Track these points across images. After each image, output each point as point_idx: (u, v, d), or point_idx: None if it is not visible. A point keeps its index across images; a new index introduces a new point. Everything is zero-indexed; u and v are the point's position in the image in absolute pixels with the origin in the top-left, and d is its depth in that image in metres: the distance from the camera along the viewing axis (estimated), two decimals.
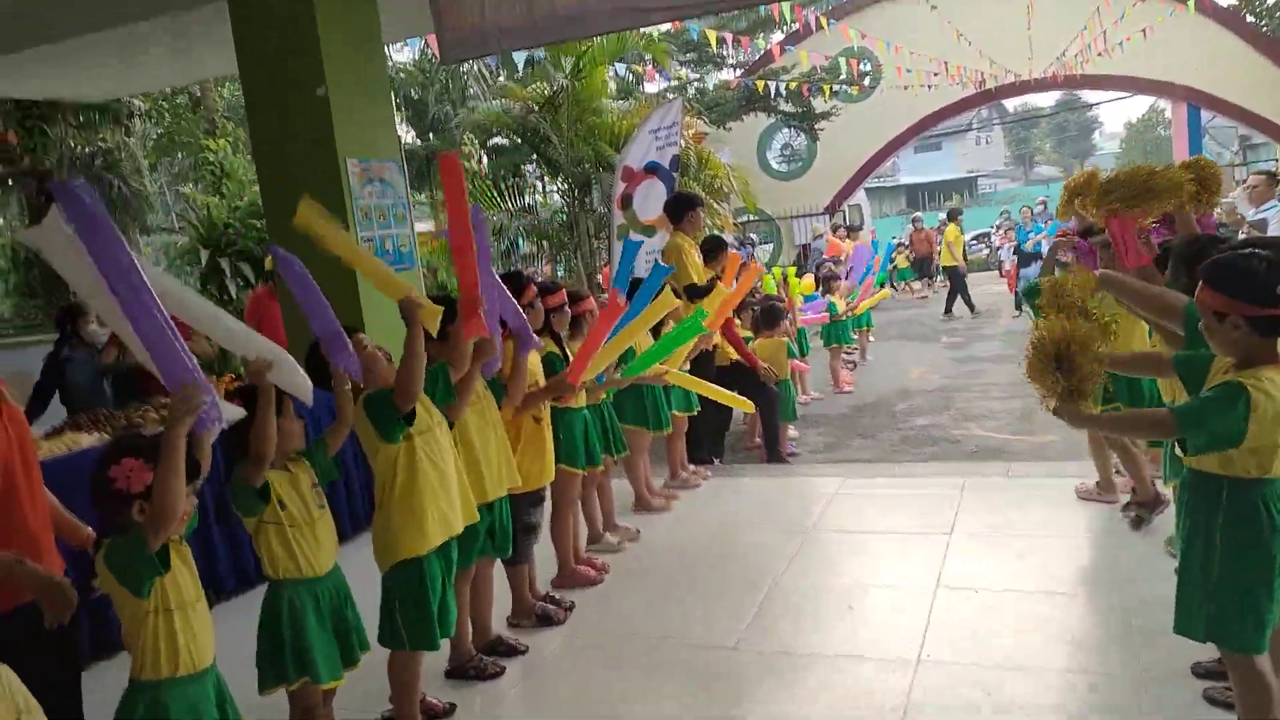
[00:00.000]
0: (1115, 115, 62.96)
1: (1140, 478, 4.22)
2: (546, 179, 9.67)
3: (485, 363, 3.24)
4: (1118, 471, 4.65)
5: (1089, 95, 29.52)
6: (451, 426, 3.14)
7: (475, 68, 13.87)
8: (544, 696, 3.31)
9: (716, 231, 9.35)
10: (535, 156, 10.16)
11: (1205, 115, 19.86)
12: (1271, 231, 6.47)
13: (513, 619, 3.84)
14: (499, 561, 3.65)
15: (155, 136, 13.31)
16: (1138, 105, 43.20)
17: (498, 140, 13.20)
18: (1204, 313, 2.27)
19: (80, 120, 10.17)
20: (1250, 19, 18.60)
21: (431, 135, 16.42)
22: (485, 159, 14.05)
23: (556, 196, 9.67)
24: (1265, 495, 2.25)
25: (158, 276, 2.26)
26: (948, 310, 14.27)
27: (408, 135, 16.18)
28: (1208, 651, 2.88)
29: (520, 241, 8.47)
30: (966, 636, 3.37)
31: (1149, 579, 3.60)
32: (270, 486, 2.56)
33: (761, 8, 15.56)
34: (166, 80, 9.67)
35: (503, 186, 9.16)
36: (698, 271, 5.93)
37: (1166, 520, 4.04)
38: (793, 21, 14.83)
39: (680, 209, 5.98)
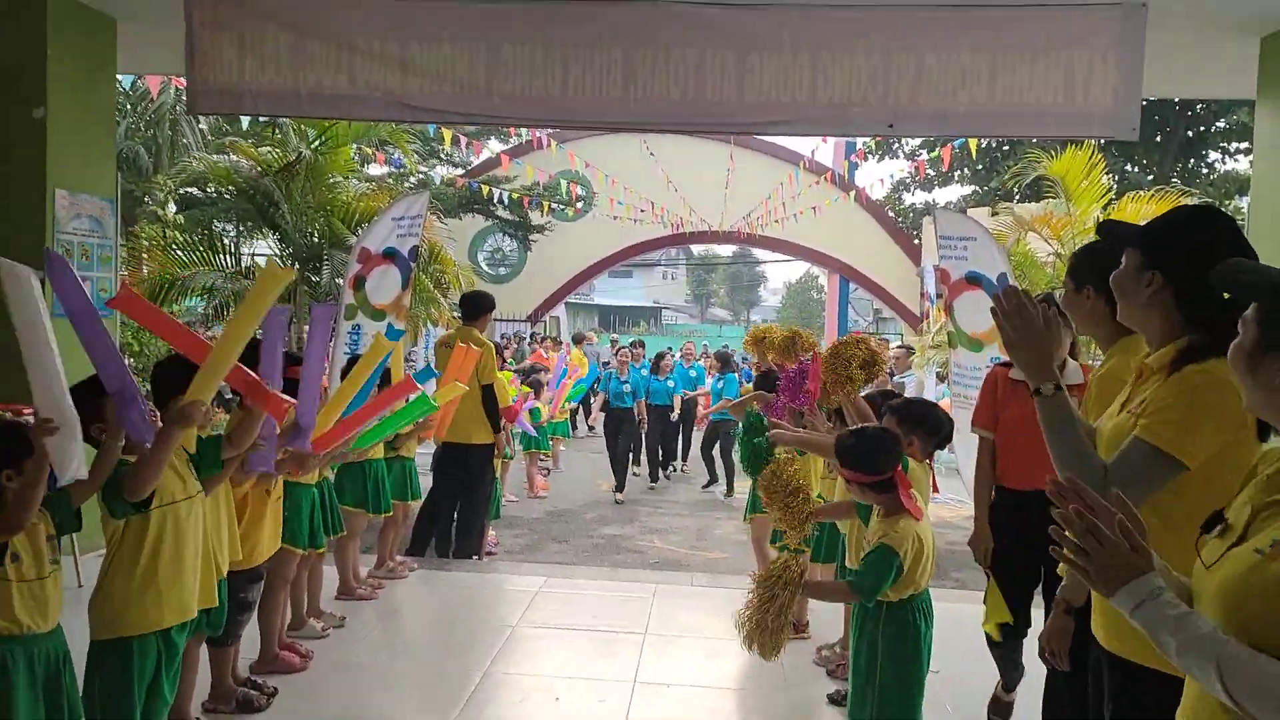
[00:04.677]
0: (778, 273, 72.15)
1: (800, 606, 4.91)
2: (262, 243, 9.28)
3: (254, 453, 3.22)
4: None
5: (759, 253, 33.59)
6: None
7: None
8: None
9: (435, 324, 9.50)
10: (232, 216, 9.72)
11: (851, 287, 23.45)
12: (909, 393, 7.90)
13: (209, 704, 3.61)
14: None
15: None
16: (797, 269, 49.75)
17: (191, 191, 12.37)
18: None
19: None
20: (891, 214, 22.45)
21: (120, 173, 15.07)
22: (174, 208, 13.07)
23: (269, 263, 9.28)
24: (912, 607, 2.87)
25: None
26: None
27: None
28: None
29: (231, 305, 8.05)
30: None
31: (801, 681, 4.26)
32: (8, 543, 2.34)
33: None
34: None
35: (218, 245, 8.68)
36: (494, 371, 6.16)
37: (818, 633, 4.76)
38: (526, 138, 15.63)
39: (481, 309, 6.24)
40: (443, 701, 3.85)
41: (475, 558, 6.32)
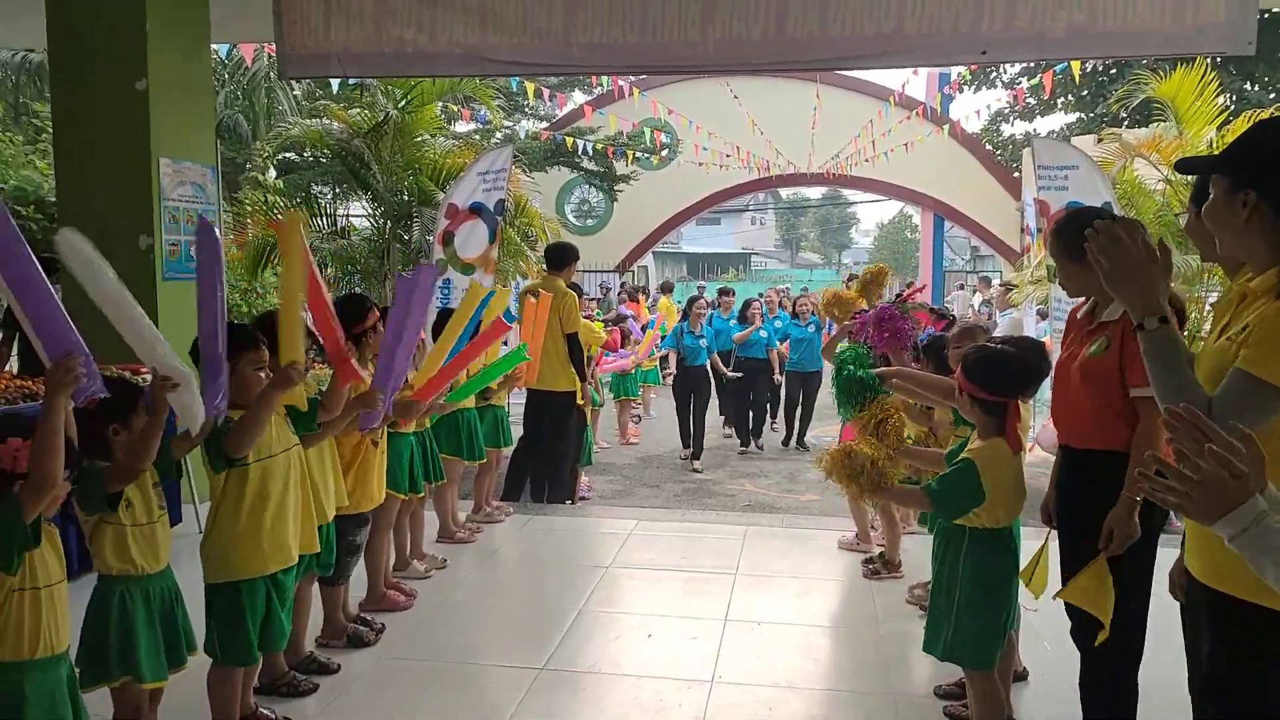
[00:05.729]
0: (870, 214, 69.42)
1: (893, 544, 4.90)
2: (357, 204, 9.58)
3: (366, 413, 3.38)
4: (873, 526, 5.35)
5: (850, 194, 32.73)
6: None
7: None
8: (355, 715, 3.37)
9: (523, 277, 9.64)
10: (328, 179, 10.02)
11: (947, 225, 22.71)
12: (1001, 331, 7.68)
13: (323, 639, 3.84)
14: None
15: None
16: (889, 209, 48.19)
17: (289, 156, 12.79)
18: (958, 387, 2.87)
19: None
20: (989, 147, 21.55)
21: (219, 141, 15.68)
22: (274, 173, 13.53)
23: (365, 223, 9.58)
24: (997, 540, 2.82)
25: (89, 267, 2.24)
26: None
27: None
28: (945, 676, 3.48)
29: (329, 264, 8.37)
30: (751, 662, 3.80)
31: (893, 619, 4.26)
32: (123, 491, 2.54)
33: None
34: None
35: (316, 207, 9.00)
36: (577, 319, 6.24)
37: (911, 573, 4.73)
38: (608, 88, 15.56)
39: (566, 259, 6.29)
40: (540, 637, 4.00)
41: (568, 502, 6.48)
